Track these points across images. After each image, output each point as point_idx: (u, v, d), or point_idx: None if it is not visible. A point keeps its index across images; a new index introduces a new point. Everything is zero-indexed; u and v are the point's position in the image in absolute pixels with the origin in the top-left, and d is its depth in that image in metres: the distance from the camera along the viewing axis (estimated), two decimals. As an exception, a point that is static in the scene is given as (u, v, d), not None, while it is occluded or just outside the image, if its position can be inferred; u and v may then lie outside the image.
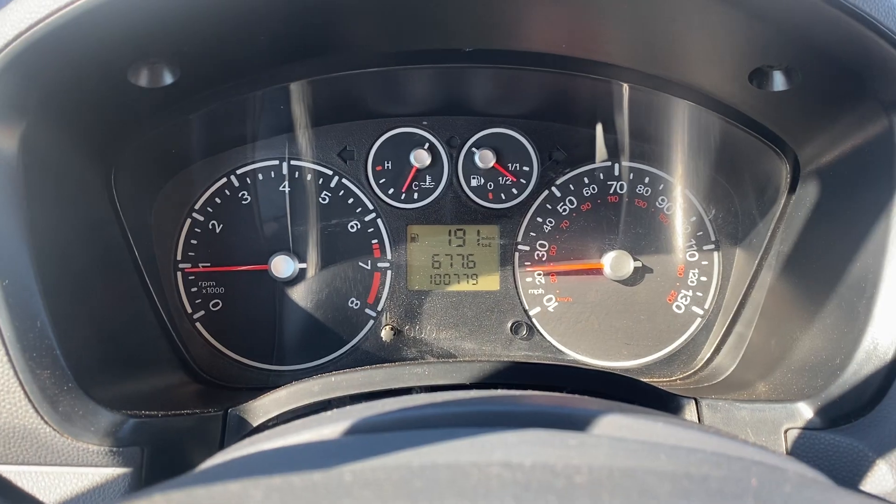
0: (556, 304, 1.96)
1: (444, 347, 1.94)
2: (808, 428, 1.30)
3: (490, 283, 1.96)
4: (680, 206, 1.95)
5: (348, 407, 0.93)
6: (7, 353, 1.18)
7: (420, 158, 1.92)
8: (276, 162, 1.92)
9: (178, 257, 1.90)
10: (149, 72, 1.41)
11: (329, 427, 0.82)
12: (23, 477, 1.22)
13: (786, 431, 1.32)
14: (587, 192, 1.95)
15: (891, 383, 1.25)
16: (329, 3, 1.34)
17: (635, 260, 1.91)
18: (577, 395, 1.07)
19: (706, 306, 1.95)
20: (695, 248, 1.95)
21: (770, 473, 0.71)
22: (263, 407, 1.38)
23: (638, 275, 1.94)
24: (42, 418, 1.21)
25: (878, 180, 1.35)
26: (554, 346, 1.96)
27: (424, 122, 1.94)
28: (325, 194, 1.93)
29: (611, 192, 1.95)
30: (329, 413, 0.91)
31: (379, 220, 1.94)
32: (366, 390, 1.36)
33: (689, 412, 1.39)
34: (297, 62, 1.60)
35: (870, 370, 1.28)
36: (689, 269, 1.95)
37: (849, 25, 1.19)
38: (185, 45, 1.36)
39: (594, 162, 1.95)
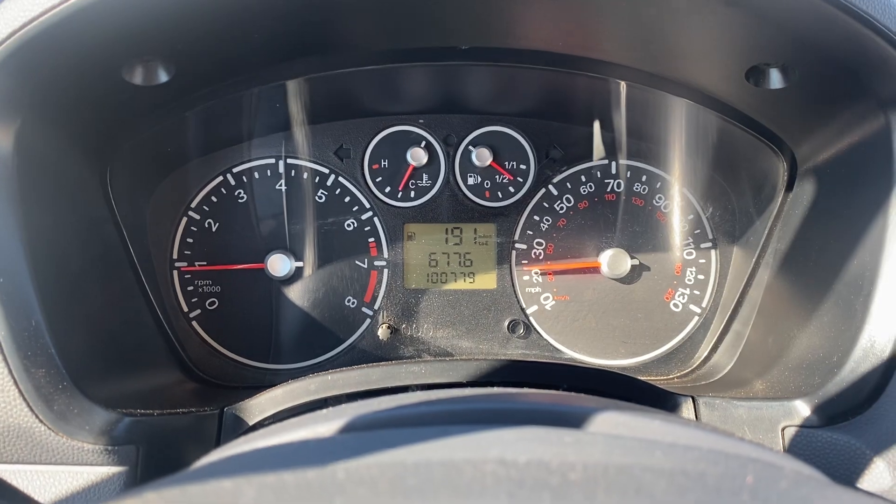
0: (554, 302, 1.95)
1: (440, 346, 1.93)
2: (805, 426, 1.30)
3: (487, 281, 1.96)
4: (677, 205, 1.94)
5: (343, 405, 0.93)
6: (2, 352, 1.18)
7: (417, 157, 1.92)
8: (273, 160, 1.92)
9: (175, 256, 1.90)
10: (143, 70, 1.41)
11: (324, 425, 0.82)
12: (17, 476, 1.22)
13: (783, 429, 1.31)
14: (584, 191, 1.95)
15: (888, 381, 1.25)
16: (325, 2, 1.33)
17: (632, 258, 1.91)
18: (573, 393, 1.06)
19: (703, 304, 1.94)
20: (692, 246, 1.95)
21: (767, 470, 0.71)
22: (259, 405, 1.37)
23: (635, 273, 1.93)
24: (37, 417, 1.21)
25: (876, 178, 1.35)
26: (551, 345, 1.95)
27: (421, 121, 1.93)
28: (322, 193, 1.93)
29: (608, 190, 1.95)
30: (324, 411, 0.91)
31: (375, 219, 1.94)
32: (362, 389, 1.36)
33: (687, 410, 1.39)
34: (293, 60, 1.59)
35: (867, 368, 1.28)
36: (687, 267, 1.95)
37: (846, 23, 1.19)
38: (180, 43, 1.36)
39: (591, 160, 1.95)
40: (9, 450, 1.21)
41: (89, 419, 1.25)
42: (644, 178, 1.95)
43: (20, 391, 1.19)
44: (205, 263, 1.90)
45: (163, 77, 1.43)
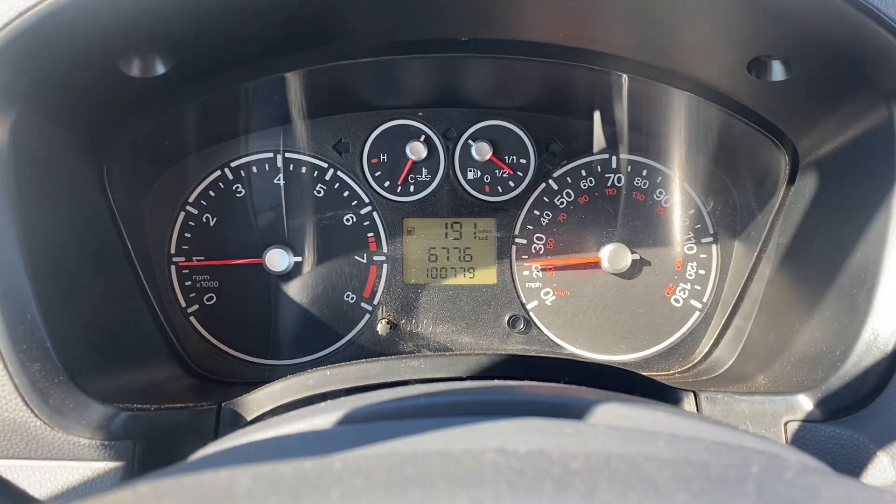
0: (554, 297, 1.94)
1: (440, 341, 1.92)
2: (808, 420, 1.29)
3: (487, 276, 1.95)
4: (678, 199, 1.93)
5: (342, 398, 0.92)
6: (-3, 346, 1.17)
7: (416, 151, 1.90)
8: (271, 154, 1.91)
9: (172, 251, 1.88)
10: (140, 61, 1.39)
11: (322, 417, 0.80)
12: (13, 471, 1.21)
13: (786, 424, 1.30)
14: (584, 185, 1.94)
15: (891, 375, 1.24)
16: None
17: (633, 253, 1.90)
18: (573, 386, 1.05)
19: (705, 299, 1.93)
20: (693, 240, 1.94)
21: (771, 461, 0.70)
22: (258, 401, 1.36)
23: (636, 268, 1.92)
24: (32, 411, 1.20)
25: (878, 170, 1.34)
26: (551, 340, 1.94)
27: (420, 114, 1.92)
28: (321, 187, 1.92)
29: (608, 184, 1.94)
30: (322, 404, 0.90)
31: (375, 214, 1.93)
32: (361, 384, 1.35)
33: (688, 405, 1.38)
34: (291, 52, 1.58)
35: (870, 361, 1.27)
36: (688, 262, 1.94)
37: (849, 14, 1.18)
38: (178, 35, 1.35)
39: (592, 154, 1.94)
40: (4, 444, 1.20)
41: (85, 414, 1.24)
42: (645, 172, 1.94)
43: (15, 385, 1.18)
44: (203, 258, 1.89)
45: (160, 69, 1.42)
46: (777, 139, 1.68)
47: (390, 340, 1.92)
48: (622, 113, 1.82)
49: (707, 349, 1.89)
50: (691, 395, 1.39)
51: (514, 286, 1.94)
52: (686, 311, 1.94)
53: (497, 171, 1.94)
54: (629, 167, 1.94)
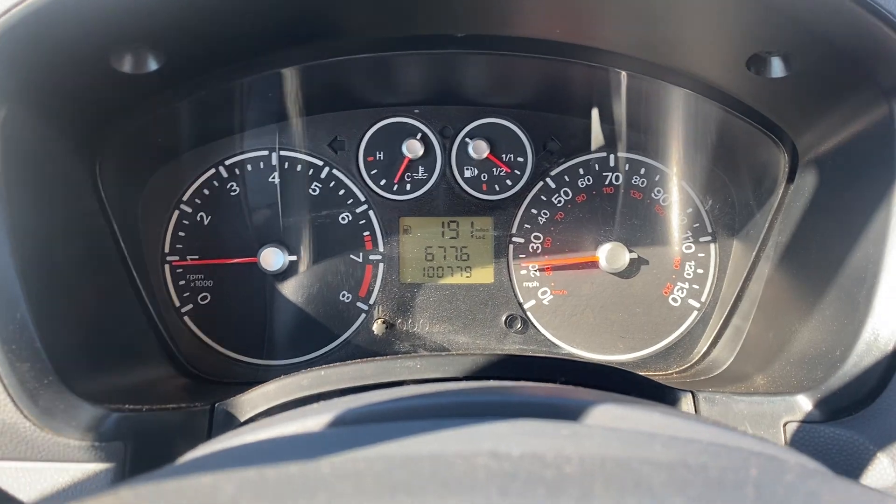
0: (551, 297, 1.93)
1: (437, 341, 1.91)
2: (807, 421, 1.28)
3: (484, 275, 1.93)
4: (676, 198, 1.92)
5: (334, 399, 0.90)
6: (-16, 346, 1.15)
7: (412, 149, 1.89)
8: (266, 152, 1.89)
9: (166, 250, 1.87)
10: (132, 57, 1.38)
11: (314, 419, 0.79)
12: (1, 472, 1.19)
13: (785, 425, 1.29)
14: (582, 184, 1.92)
15: (891, 375, 1.23)
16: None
17: (631, 252, 1.88)
18: (570, 386, 1.04)
19: (703, 299, 1.92)
20: (691, 239, 1.92)
21: (770, 463, 0.68)
22: (251, 401, 1.35)
23: (634, 267, 1.91)
24: (21, 412, 1.19)
25: (878, 168, 1.33)
26: (549, 340, 1.93)
27: (416, 111, 1.91)
28: (316, 185, 1.90)
29: (606, 183, 1.93)
30: (314, 405, 0.88)
31: (371, 212, 1.91)
32: (356, 384, 1.33)
33: (686, 405, 1.36)
34: (286, 48, 1.57)
35: (870, 362, 1.25)
36: (686, 261, 1.92)
37: (848, 9, 1.17)
38: (170, 31, 1.33)
39: (589, 152, 1.92)
40: (-7, 446, 1.18)
41: (75, 415, 1.23)
42: (643, 170, 1.92)
43: (4, 386, 1.17)
44: (197, 257, 1.87)
45: (152, 65, 1.41)
46: (776, 137, 1.67)
47: (386, 340, 1.90)
48: (620, 110, 1.80)
49: (705, 349, 1.88)
50: (689, 396, 1.37)
51: (512, 285, 1.93)
52: (684, 310, 1.92)
53: (494, 169, 1.92)
54: (627, 165, 1.92)
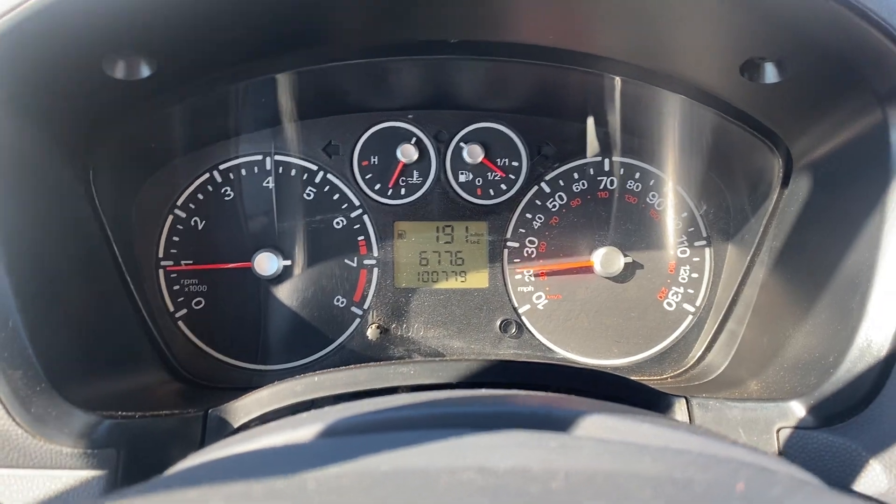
0: (546, 301, 1.93)
1: (431, 346, 1.91)
2: (800, 427, 1.27)
3: (479, 280, 1.93)
4: (671, 202, 1.92)
5: (325, 408, 0.90)
6: (-24, 354, 1.15)
7: (407, 153, 1.89)
8: (260, 157, 1.89)
9: (160, 255, 1.86)
10: (125, 64, 1.38)
11: (303, 429, 0.79)
12: (-6, 480, 1.19)
13: (778, 431, 1.29)
14: (577, 188, 1.92)
15: (885, 381, 1.23)
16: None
17: (625, 256, 1.88)
18: (562, 395, 1.03)
19: (697, 303, 1.92)
20: (686, 244, 1.92)
21: (759, 475, 0.68)
22: (245, 407, 1.34)
23: (628, 271, 1.91)
24: (14, 420, 1.19)
25: (872, 174, 1.33)
26: (543, 345, 1.93)
27: (410, 116, 1.90)
28: (310, 190, 1.90)
29: (601, 187, 1.92)
30: (305, 414, 0.88)
31: (365, 217, 1.91)
32: (350, 390, 1.33)
33: (680, 411, 1.36)
34: (279, 54, 1.57)
35: (863, 368, 1.25)
36: (681, 265, 1.92)
37: (842, 16, 1.17)
38: (163, 37, 1.33)
39: (584, 157, 1.92)
40: (-15, 453, 1.18)
41: (68, 422, 1.22)
42: (637, 175, 1.92)
43: (-4, 393, 1.17)
44: (191, 262, 1.87)
45: (145, 71, 1.40)
46: (771, 142, 1.67)
47: (381, 345, 1.90)
48: (615, 116, 1.81)
49: (700, 353, 1.88)
50: (683, 401, 1.37)
51: (506, 290, 1.93)
52: (679, 314, 1.92)
53: (489, 173, 1.92)
54: (622, 170, 1.92)
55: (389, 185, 1.92)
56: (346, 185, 1.91)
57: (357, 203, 1.91)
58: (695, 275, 1.92)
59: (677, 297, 1.92)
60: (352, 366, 1.36)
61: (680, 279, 1.92)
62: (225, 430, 1.34)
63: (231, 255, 1.87)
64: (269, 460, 0.65)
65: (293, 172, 1.89)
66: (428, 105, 1.90)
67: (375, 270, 1.91)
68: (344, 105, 1.88)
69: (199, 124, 1.80)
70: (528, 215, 1.93)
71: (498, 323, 1.92)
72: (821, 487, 0.71)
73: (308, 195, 1.90)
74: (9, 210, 1.26)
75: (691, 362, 1.89)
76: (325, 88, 1.78)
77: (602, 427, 0.80)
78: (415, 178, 1.92)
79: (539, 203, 1.92)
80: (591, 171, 1.92)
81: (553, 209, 1.92)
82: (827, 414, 1.27)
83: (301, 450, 0.68)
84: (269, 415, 1.33)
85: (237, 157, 1.88)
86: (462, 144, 1.91)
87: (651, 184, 1.92)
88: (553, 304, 1.93)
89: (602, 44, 1.53)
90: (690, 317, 1.92)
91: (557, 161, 1.93)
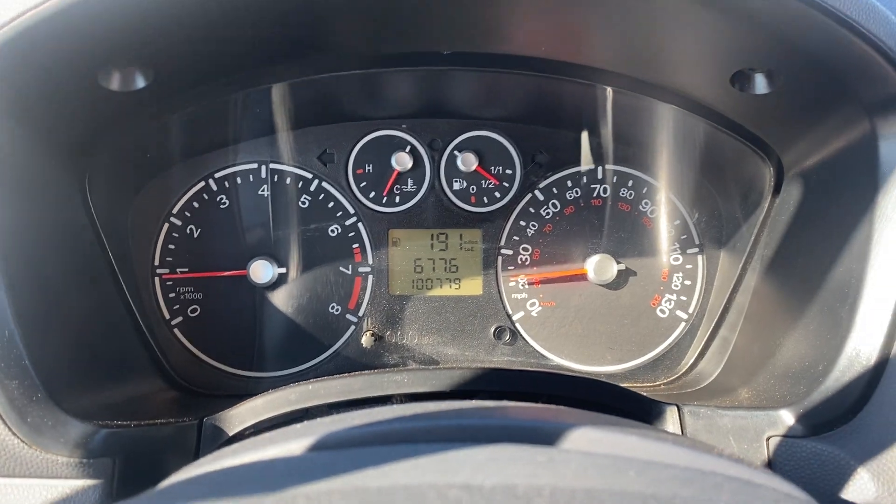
0: (540, 308, 1.94)
1: (426, 353, 1.92)
2: (789, 436, 1.29)
3: (473, 287, 1.94)
4: (664, 210, 1.93)
5: (317, 420, 0.91)
6: (-28, 365, 1.16)
7: (401, 161, 1.90)
8: (255, 165, 1.90)
9: (156, 263, 1.87)
10: (120, 75, 1.39)
11: (293, 442, 0.80)
12: (-10, 489, 1.20)
13: (768, 439, 1.30)
14: (570, 196, 1.94)
15: (872, 391, 1.24)
16: (305, 7, 1.32)
17: (619, 264, 1.89)
18: (552, 406, 1.04)
19: (690, 310, 1.93)
20: (679, 251, 1.93)
21: (743, 490, 0.69)
22: (239, 416, 1.36)
23: (622, 279, 1.92)
24: (10, 429, 1.20)
25: (861, 184, 1.34)
26: (537, 352, 1.94)
27: (403, 126, 1.91)
28: (305, 198, 1.91)
29: (594, 195, 1.94)
30: (296, 426, 0.89)
31: (360, 224, 1.92)
32: (343, 399, 1.34)
33: (671, 419, 1.37)
34: (274, 65, 1.58)
35: (851, 377, 1.26)
36: (674, 272, 1.93)
37: (829, 28, 1.18)
38: (158, 49, 1.34)
39: (577, 165, 1.94)
40: (-19, 463, 1.19)
41: (64, 431, 1.23)
42: (630, 183, 1.94)
43: (-8, 404, 1.18)
44: (187, 270, 1.88)
45: (140, 83, 1.41)
46: (762, 151, 1.68)
47: (375, 352, 1.91)
48: (607, 125, 1.82)
49: (692, 361, 1.89)
50: (675, 409, 1.38)
51: (500, 297, 1.94)
52: (672, 321, 1.93)
53: (483, 181, 1.94)
54: (615, 178, 1.94)
55: (384, 193, 1.93)
56: (340, 193, 1.92)
57: (352, 211, 1.92)
58: (687, 282, 1.93)
59: (670, 304, 1.93)
60: (345, 374, 1.37)
61: (673, 286, 1.93)
62: (220, 437, 1.35)
63: (226, 262, 1.88)
64: (260, 475, 0.66)
65: (288, 181, 1.90)
66: (422, 114, 1.91)
67: (370, 278, 1.92)
68: (339, 114, 1.89)
69: (194, 133, 1.80)
70: (522, 223, 1.94)
71: (492, 330, 1.93)
72: (805, 501, 0.72)
73: (303, 203, 1.91)
74: (5, 219, 1.27)
75: (684, 369, 1.90)
76: (320, 98, 1.79)
77: (590, 441, 0.81)
78: (409, 186, 1.93)
79: (533, 211, 1.94)
80: (585, 179, 1.94)
81: (547, 217, 1.93)
82: (816, 423, 1.28)
83: (291, 464, 0.69)
84: (264, 423, 1.34)
85: (233, 166, 1.90)
86: (456, 153, 1.92)
87: (644, 192, 1.93)
88: (547, 312, 1.94)
89: (594, 55, 1.55)
90: (683, 324, 1.93)
91: (551, 169, 1.94)
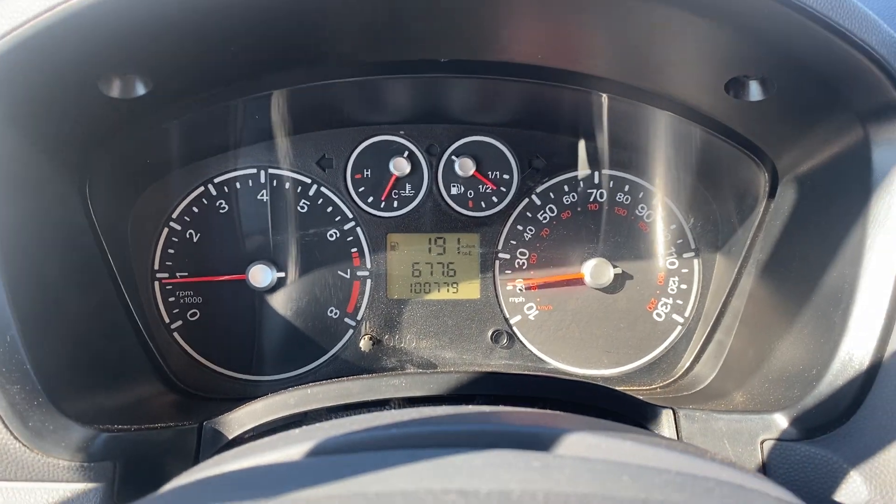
0: (537, 312, 1.95)
1: (424, 357, 1.93)
2: (783, 439, 1.30)
3: (470, 291, 1.96)
4: (660, 214, 1.94)
5: (315, 425, 0.92)
6: (-25, 370, 1.17)
7: (399, 166, 1.91)
8: (254, 170, 1.91)
9: (156, 267, 1.89)
10: (120, 83, 1.40)
11: (290, 448, 0.81)
12: (-8, 493, 1.21)
13: (762, 443, 1.31)
14: (567, 201, 1.95)
15: (865, 395, 1.25)
16: (303, 16, 1.33)
17: (615, 268, 1.91)
18: (548, 412, 1.06)
19: (686, 314, 1.94)
20: (675, 255, 1.95)
21: (735, 494, 0.71)
22: (239, 419, 1.37)
23: (618, 283, 1.93)
24: (11, 434, 1.21)
25: (855, 190, 1.35)
26: (535, 355, 1.95)
27: (401, 131, 1.93)
28: (304, 203, 1.92)
29: (590, 200, 1.95)
30: (295, 431, 0.90)
31: (358, 229, 1.93)
32: (342, 402, 1.35)
33: (667, 422, 1.39)
34: (273, 73, 1.59)
35: (844, 382, 1.27)
36: (670, 276, 1.95)
37: (822, 37, 1.19)
38: (158, 58, 1.35)
39: (574, 170, 1.95)
40: (-17, 467, 1.20)
41: (65, 436, 1.24)
42: (627, 188, 1.95)
43: (-5, 408, 1.19)
44: (186, 274, 1.89)
45: (140, 90, 1.43)
46: (757, 157, 1.70)
47: (373, 356, 1.92)
48: (603, 131, 1.83)
49: (689, 364, 1.90)
50: (670, 413, 1.40)
51: (498, 301, 1.95)
52: (668, 325, 1.95)
53: (480, 186, 1.95)
54: (611, 183, 1.95)
55: (382, 198, 1.94)
56: (339, 197, 1.93)
57: (350, 215, 1.93)
58: (683, 286, 1.95)
59: (666, 307, 1.95)
60: (343, 378, 1.38)
61: (669, 290, 1.95)
62: (219, 441, 1.36)
63: (226, 267, 1.89)
64: (259, 479, 0.68)
65: (287, 185, 1.92)
66: (420, 119, 1.93)
67: (368, 282, 1.93)
68: (337, 120, 1.90)
69: (194, 139, 1.82)
70: (520, 227, 1.95)
71: (490, 333, 1.95)
72: (794, 504, 0.74)
73: (302, 208, 1.92)
74: (6, 223, 1.28)
75: (680, 373, 1.91)
76: (319, 104, 1.80)
77: (585, 446, 0.82)
78: (407, 191, 1.95)
79: (530, 215, 1.95)
80: (582, 184, 1.95)
81: (544, 221, 1.95)
82: (809, 426, 1.29)
83: (289, 469, 0.71)
84: (263, 426, 1.35)
85: (232, 171, 1.91)
86: (454, 158, 1.94)
87: (640, 196, 1.95)
88: (544, 315, 1.95)
89: (590, 63, 1.56)
90: (679, 327, 1.94)
91: (548, 174, 1.95)
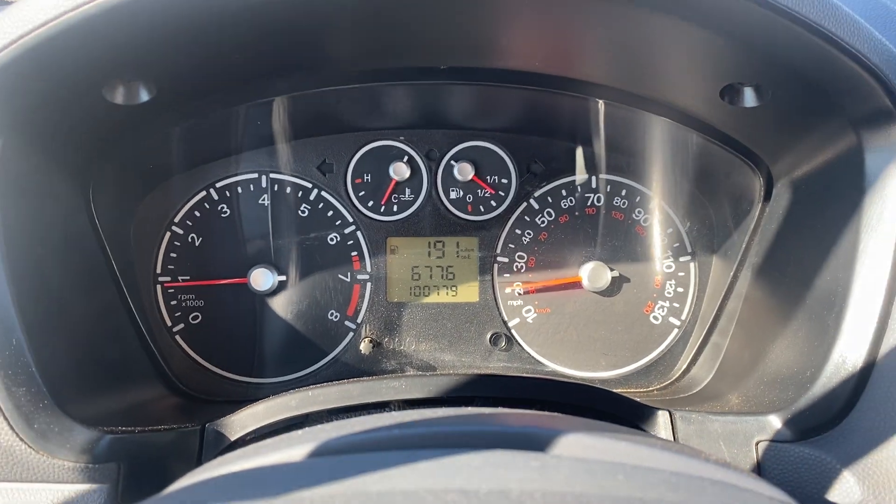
0: (535, 315, 1.97)
1: (423, 359, 1.95)
2: (778, 440, 1.31)
3: (469, 294, 1.97)
4: (656, 219, 1.96)
5: (317, 426, 0.94)
6: (-18, 372, 1.19)
7: (399, 171, 1.93)
8: (256, 175, 1.93)
9: (158, 271, 1.90)
10: (124, 89, 1.41)
11: (291, 449, 0.82)
12: (-2, 494, 1.23)
13: (757, 444, 1.33)
14: (565, 205, 1.97)
15: (858, 397, 1.27)
16: (305, 25, 1.35)
17: (612, 271, 1.93)
18: (546, 413, 1.07)
19: (683, 317, 1.96)
20: (671, 259, 1.97)
21: (728, 494, 0.73)
22: (241, 421, 1.38)
23: (615, 286, 1.95)
24: (17, 435, 1.22)
25: (848, 195, 1.37)
26: (533, 358, 1.97)
27: (401, 137, 1.95)
28: (305, 207, 1.94)
29: (588, 204, 1.97)
30: (296, 433, 0.92)
31: (358, 233, 1.95)
32: (343, 404, 1.37)
33: (664, 424, 1.40)
34: (274, 79, 1.61)
35: (838, 383, 1.29)
36: (666, 280, 1.97)
37: (815, 44, 1.21)
38: (161, 64, 1.37)
39: (572, 175, 1.97)
40: (-11, 468, 1.22)
41: (70, 437, 1.26)
42: (624, 192, 1.97)
43: (1, 410, 1.20)
44: (188, 278, 1.91)
45: (144, 97, 1.44)
46: (752, 162, 1.72)
47: (373, 359, 1.94)
48: (600, 136, 1.85)
49: (685, 367, 1.92)
50: (667, 414, 1.41)
51: (496, 304, 1.97)
52: (665, 328, 1.96)
53: (479, 190, 1.97)
54: (608, 187, 1.97)
55: (382, 202, 1.96)
56: (339, 202, 1.95)
57: (350, 219, 1.95)
58: (680, 289, 1.97)
59: (663, 310, 1.96)
60: (344, 380, 1.39)
61: (666, 293, 1.96)
62: (222, 443, 1.37)
63: (227, 270, 1.91)
64: (260, 481, 0.69)
65: (288, 190, 1.94)
66: (419, 125, 1.95)
67: (368, 285, 1.95)
68: (338, 125, 1.92)
69: (196, 144, 1.83)
70: (518, 231, 1.97)
71: (488, 336, 1.97)
72: (786, 504, 0.76)
73: (303, 212, 1.94)
74: (11, 228, 1.29)
75: (677, 375, 1.93)
76: (320, 110, 1.82)
77: (581, 446, 0.84)
78: (407, 196, 1.96)
79: (528, 219, 1.97)
80: (579, 189, 1.97)
81: (542, 225, 1.97)
82: (804, 428, 1.31)
83: (292, 470, 0.72)
84: (265, 428, 1.37)
85: (234, 176, 1.93)
86: (453, 162, 1.96)
87: (637, 201, 1.97)
88: (542, 318, 1.97)
89: (587, 70, 1.58)
90: (676, 330, 1.96)
91: (546, 179, 1.97)
